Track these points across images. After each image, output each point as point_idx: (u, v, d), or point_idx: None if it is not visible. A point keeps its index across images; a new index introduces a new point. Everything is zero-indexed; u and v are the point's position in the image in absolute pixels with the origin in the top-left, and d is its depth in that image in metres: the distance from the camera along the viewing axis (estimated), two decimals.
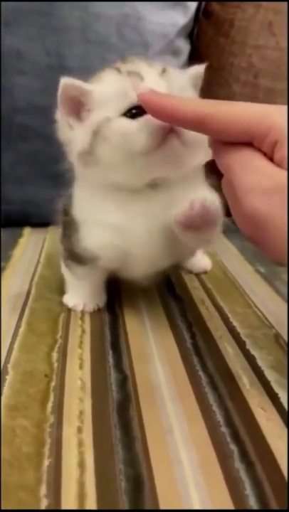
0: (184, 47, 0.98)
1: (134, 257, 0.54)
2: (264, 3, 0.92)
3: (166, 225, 0.50)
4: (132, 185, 0.51)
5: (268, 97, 0.93)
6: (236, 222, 0.39)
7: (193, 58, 1.00)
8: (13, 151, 0.88)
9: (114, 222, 0.52)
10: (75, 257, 0.57)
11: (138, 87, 0.46)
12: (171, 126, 0.45)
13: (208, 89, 0.97)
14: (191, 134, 0.45)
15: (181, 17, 0.95)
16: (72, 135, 0.51)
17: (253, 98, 0.94)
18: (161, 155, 0.47)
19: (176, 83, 0.49)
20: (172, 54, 0.95)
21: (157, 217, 0.51)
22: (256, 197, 0.35)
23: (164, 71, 0.49)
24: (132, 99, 0.47)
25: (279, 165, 0.36)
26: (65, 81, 0.50)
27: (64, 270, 0.61)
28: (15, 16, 0.84)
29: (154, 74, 0.49)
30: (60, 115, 0.52)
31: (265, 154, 0.36)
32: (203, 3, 0.99)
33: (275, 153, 0.36)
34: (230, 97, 0.95)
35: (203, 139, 0.44)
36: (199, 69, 0.55)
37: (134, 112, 0.47)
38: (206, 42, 0.99)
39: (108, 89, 0.49)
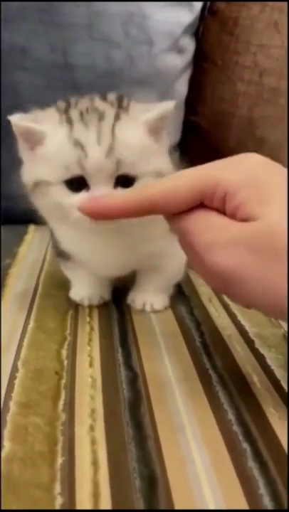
0: (189, 45, 0.98)
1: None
2: (269, 2, 0.92)
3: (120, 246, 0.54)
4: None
5: (272, 95, 0.93)
6: (201, 277, 0.41)
7: (198, 56, 1.00)
8: (15, 148, 0.88)
9: (79, 242, 0.56)
10: (60, 252, 0.60)
11: (82, 162, 0.47)
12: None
13: (212, 88, 0.98)
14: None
15: (186, 15, 0.95)
16: (24, 159, 0.53)
17: (258, 97, 0.94)
18: (97, 231, 0.50)
19: (130, 156, 0.47)
20: (177, 52, 0.95)
21: (117, 248, 0.54)
22: (216, 253, 0.36)
23: (111, 148, 0.47)
24: (75, 172, 0.47)
25: (232, 216, 0.37)
26: (14, 120, 0.50)
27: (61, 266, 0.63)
28: (20, 12, 0.84)
29: (98, 150, 0.47)
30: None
31: (217, 210, 0.38)
32: (209, 1, 0.99)
33: (226, 206, 0.37)
34: (234, 96, 0.96)
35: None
36: (166, 108, 0.50)
37: (75, 184, 0.48)
38: (211, 40, 0.99)
39: (55, 149, 0.48)
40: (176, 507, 0.33)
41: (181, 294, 0.64)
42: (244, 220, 0.36)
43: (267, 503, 0.33)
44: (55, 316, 0.57)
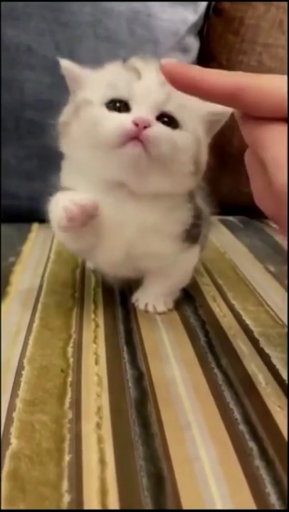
0: (194, 44, 0.98)
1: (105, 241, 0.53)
2: (274, 2, 0.92)
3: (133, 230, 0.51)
4: (93, 174, 0.50)
5: None
6: (256, 200, 0.37)
7: (202, 56, 1.00)
8: (21, 147, 0.88)
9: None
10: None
11: (132, 85, 0.46)
12: (138, 133, 0.45)
13: None
14: (159, 151, 0.46)
15: (191, 14, 0.95)
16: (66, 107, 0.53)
17: None
18: (119, 156, 0.46)
19: (179, 98, 0.46)
20: (182, 51, 0.95)
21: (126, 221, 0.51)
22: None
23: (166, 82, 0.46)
24: (121, 93, 0.47)
25: None
26: (62, 63, 0.53)
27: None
28: (25, 11, 0.83)
29: (154, 77, 0.46)
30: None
31: None
32: (214, 0, 0.98)
33: None
34: None
35: (176, 159, 0.47)
36: (226, 111, 0.51)
37: (118, 105, 0.47)
38: (215, 39, 0.99)
39: (104, 76, 0.49)
40: (184, 505, 0.33)
41: (186, 294, 0.64)
42: None
43: (274, 501, 0.34)
44: (60, 313, 0.57)
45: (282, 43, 0.92)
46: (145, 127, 0.45)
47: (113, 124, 0.45)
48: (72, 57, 0.85)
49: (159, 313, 0.58)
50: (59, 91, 0.87)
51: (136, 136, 0.45)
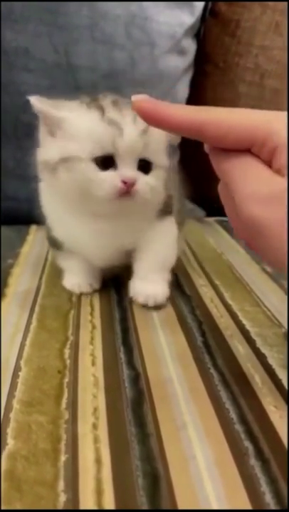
0: (191, 46, 0.99)
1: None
2: (271, 4, 0.93)
3: (115, 243, 0.59)
4: (77, 209, 0.56)
5: (274, 97, 0.93)
6: (233, 227, 0.40)
7: (199, 58, 1.00)
8: (19, 149, 0.88)
9: (71, 227, 0.58)
10: (53, 241, 0.62)
11: (116, 141, 0.50)
12: (128, 188, 0.51)
13: (214, 89, 0.98)
14: (144, 196, 0.53)
15: (188, 17, 0.96)
16: (44, 140, 0.55)
17: (259, 99, 0.94)
18: (113, 207, 0.53)
19: (154, 144, 0.52)
20: (178, 53, 0.96)
21: (107, 236, 0.57)
22: (254, 204, 0.35)
23: (144, 131, 0.51)
24: (106, 150, 0.51)
25: (277, 172, 0.35)
26: (33, 101, 0.53)
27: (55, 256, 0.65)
28: (23, 13, 0.84)
29: (134, 131, 0.51)
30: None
31: (263, 161, 0.36)
32: (210, 2, 0.99)
33: (273, 161, 0.35)
34: (235, 97, 0.96)
35: (155, 197, 0.55)
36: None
37: (105, 160, 0.51)
38: (212, 42, 1.00)
39: (87, 128, 0.51)
40: (179, 504, 0.33)
41: (183, 294, 0.64)
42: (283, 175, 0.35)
43: (269, 500, 0.34)
44: (57, 315, 0.57)
45: (278, 45, 0.92)
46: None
47: (105, 185, 0.51)
48: (69, 59, 0.87)
49: (159, 307, 0.60)
50: (56, 93, 0.87)
51: (127, 191, 0.51)
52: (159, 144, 0.54)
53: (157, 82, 0.93)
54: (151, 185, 0.53)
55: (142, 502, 0.33)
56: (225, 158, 0.38)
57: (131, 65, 0.89)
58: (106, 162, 0.51)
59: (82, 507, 0.33)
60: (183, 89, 1.00)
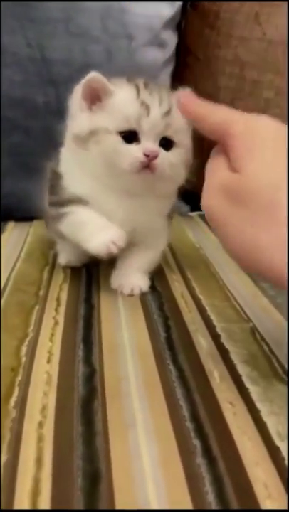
0: (171, 39, 0.97)
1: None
2: None
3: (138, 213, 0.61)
4: (101, 182, 0.59)
5: (254, 89, 0.92)
6: None
7: (180, 50, 0.99)
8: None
9: (95, 193, 0.60)
10: (61, 203, 0.62)
11: (142, 119, 0.55)
12: (149, 162, 0.55)
13: (195, 82, 0.97)
14: (164, 171, 0.56)
15: (167, 9, 0.94)
16: (77, 114, 0.58)
17: (239, 90, 0.93)
18: (135, 180, 0.57)
19: (176, 124, 0.57)
20: (158, 46, 0.94)
21: (128, 203, 0.60)
22: (207, 194, 0.41)
23: (168, 112, 0.56)
24: (133, 126, 0.55)
25: (232, 166, 0.40)
26: (93, 75, 0.56)
27: (65, 226, 0.63)
28: None
29: (159, 112, 0.56)
30: (77, 94, 0.58)
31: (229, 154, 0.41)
32: None
33: (230, 156, 0.40)
34: (215, 90, 0.94)
35: (175, 174, 0.58)
36: None
37: (129, 135, 0.56)
38: (192, 34, 0.98)
39: (121, 104, 0.56)
40: (117, 505, 0.32)
41: (153, 290, 0.63)
42: (235, 171, 0.39)
43: (211, 500, 0.33)
44: (20, 312, 0.56)
45: (257, 36, 0.91)
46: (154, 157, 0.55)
47: (129, 157, 0.55)
48: (43, 54, 0.86)
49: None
50: (31, 88, 0.87)
51: (147, 165, 0.55)
52: (181, 125, 0.57)
53: (136, 75, 0.91)
54: (171, 161, 0.57)
55: (79, 503, 0.32)
56: (210, 160, 0.44)
57: (107, 58, 0.88)
58: (131, 137, 0.56)
59: (16, 507, 0.32)
60: (164, 82, 0.98)
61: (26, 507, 0.32)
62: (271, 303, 0.60)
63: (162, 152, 0.56)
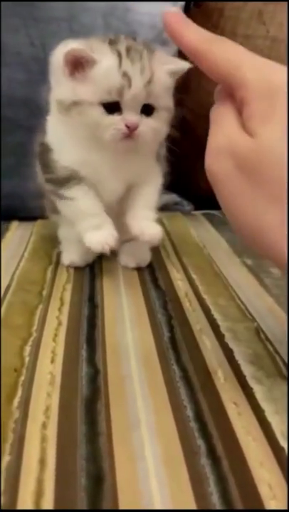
0: None
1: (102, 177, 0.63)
2: None
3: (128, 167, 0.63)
4: (86, 144, 0.60)
5: None
6: None
7: None
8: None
9: (84, 154, 0.61)
10: (59, 181, 0.63)
11: (124, 90, 0.55)
12: (130, 132, 0.57)
13: (198, 80, 0.96)
14: (146, 138, 0.58)
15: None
16: (60, 81, 0.59)
17: None
18: (117, 148, 0.59)
19: (157, 90, 0.57)
20: (161, 44, 0.94)
21: (114, 167, 0.62)
22: (213, 156, 0.36)
23: (149, 81, 0.56)
24: (114, 97, 0.56)
25: (244, 123, 0.34)
26: (74, 46, 0.56)
27: (64, 210, 0.67)
28: None
29: (140, 82, 0.56)
30: (59, 59, 0.58)
31: (238, 108, 0.35)
32: None
33: (242, 111, 0.35)
34: None
35: (157, 136, 0.61)
36: (185, 66, 0.61)
37: (111, 105, 0.56)
38: None
39: (103, 76, 0.56)
40: (121, 505, 0.32)
41: (158, 289, 0.63)
42: (248, 133, 0.34)
43: (216, 501, 0.32)
44: (23, 311, 0.56)
45: (261, 34, 0.90)
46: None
47: (111, 128, 0.57)
48: (46, 53, 0.85)
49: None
50: (34, 87, 0.86)
51: (130, 134, 0.57)
52: (163, 89, 0.59)
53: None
54: (152, 127, 0.59)
55: (82, 503, 0.32)
56: (215, 105, 0.38)
57: None
58: (112, 107, 0.56)
59: (19, 508, 0.32)
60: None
61: (29, 508, 0.32)
62: (276, 302, 0.60)
63: (143, 120, 0.58)
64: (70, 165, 0.62)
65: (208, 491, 0.33)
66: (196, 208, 1.04)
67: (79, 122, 0.58)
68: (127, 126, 0.57)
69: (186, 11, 0.98)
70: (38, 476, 0.34)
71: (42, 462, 0.35)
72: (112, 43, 0.58)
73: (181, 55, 0.93)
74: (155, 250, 0.73)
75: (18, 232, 0.82)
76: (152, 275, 0.67)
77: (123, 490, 0.33)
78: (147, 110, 0.58)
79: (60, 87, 0.59)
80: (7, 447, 0.36)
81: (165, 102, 0.60)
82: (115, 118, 0.57)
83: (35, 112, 0.85)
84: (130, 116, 0.57)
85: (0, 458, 0.35)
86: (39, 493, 0.33)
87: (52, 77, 0.61)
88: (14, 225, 0.86)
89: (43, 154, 0.65)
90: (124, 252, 0.70)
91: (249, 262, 0.72)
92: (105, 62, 0.56)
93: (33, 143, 0.77)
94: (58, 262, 0.70)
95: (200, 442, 0.37)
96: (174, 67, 0.61)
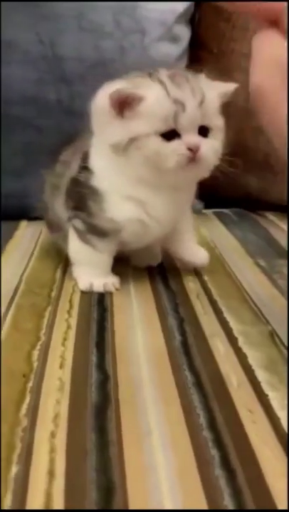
0: (184, 33, 0.96)
1: (151, 229, 0.62)
2: None
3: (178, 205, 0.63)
4: (145, 182, 0.59)
5: None
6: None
7: (194, 45, 0.97)
8: (8, 143, 0.86)
9: (140, 196, 0.60)
10: (96, 229, 0.61)
11: (179, 116, 0.55)
12: (194, 155, 0.55)
13: (209, 76, 0.95)
14: (209, 159, 0.58)
15: (180, 3, 0.93)
16: (107, 124, 0.58)
17: None
18: (182, 175, 0.58)
19: (209, 110, 0.57)
20: (171, 41, 0.93)
21: (174, 197, 0.61)
22: (255, 70, 0.35)
23: (202, 102, 0.56)
24: (171, 125, 0.55)
25: None
26: (117, 88, 0.55)
27: (76, 250, 0.64)
28: (7, 4, 0.82)
29: (194, 105, 0.55)
30: (100, 104, 0.57)
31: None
32: None
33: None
34: None
35: (217, 158, 0.59)
36: (229, 88, 0.61)
37: (169, 133, 0.56)
38: (206, 27, 0.96)
39: (155, 107, 0.55)
40: None
41: (168, 290, 0.62)
42: None
43: None
44: (32, 314, 0.55)
45: None
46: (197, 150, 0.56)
47: (174, 154, 0.55)
48: (55, 50, 0.84)
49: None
50: (43, 85, 0.86)
51: (193, 158, 0.56)
52: (213, 108, 0.58)
53: (150, 68, 0.90)
54: (213, 146, 0.58)
55: None
56: (258, 34, 0.37)
57: (120, 54, 0.87)
58: (169, 136, 0.56)
59: None
60: None
61: None
62: None
63: (203, 141, 0.57)
64: (121, 221, 0.60)
65: (223, 504, 0.32)
66: (206, 207, 1.02)
67: (138, 157, 0.57)
68: (190, 150, 0.55)
69: (196, 6, 0.97)
70: (46, 488, 0.33)
71: (51, 474, 0.34)
72: (152, 75, 0.57)
73: (191, 52, 0.92)
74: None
75: (27, 232, 0.82)
76: (163, 276, 0.66)
77: (134, 502, 0.32)
78: (204, 132, 0.58)
79: (110, 130, 0.58)
80: (14, 457, 0.35)
81: (217, 120, 0.60)
82: (176, 144, 0.56)
83: (44, 110, 0.85)
84: (190, 138, 0.56)
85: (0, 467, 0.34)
86: (47, 507, 0.31)
87: (95, 124, 0.60)
88: (23, 224, 0.86)
89: (88, 196, 0.61)
90: (135, 252, 0.69)
91: (262, 262, 0.70)
92: (153, 95, 0.55)
93: (42, 142, 0.77)
94: (67, 262, 0.69)
95: (214, 452, 0.36)
96: (224, 89, 0.60)
